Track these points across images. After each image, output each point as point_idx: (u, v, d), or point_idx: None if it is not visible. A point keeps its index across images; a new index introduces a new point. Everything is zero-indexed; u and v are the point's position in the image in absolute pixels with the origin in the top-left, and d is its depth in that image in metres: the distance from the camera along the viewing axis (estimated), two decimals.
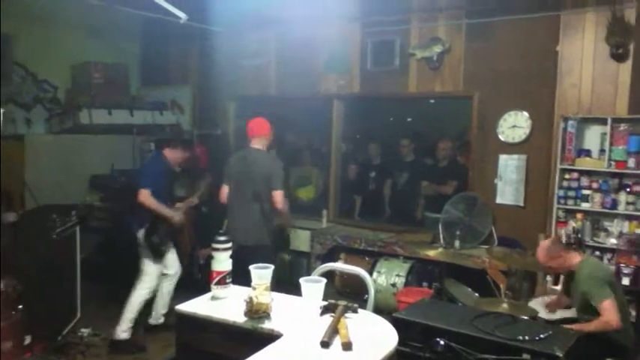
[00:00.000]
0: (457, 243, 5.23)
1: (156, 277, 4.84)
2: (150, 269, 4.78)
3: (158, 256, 4.78)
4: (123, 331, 4.65)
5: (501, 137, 5.43)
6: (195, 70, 7.01)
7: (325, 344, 1.92)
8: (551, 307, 3.89)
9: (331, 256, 5.74)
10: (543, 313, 3.73)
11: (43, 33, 6.24)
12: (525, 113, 5.31)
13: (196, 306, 2.32)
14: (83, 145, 6.41)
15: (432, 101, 6.32)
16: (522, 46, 5.28)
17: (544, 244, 3.74)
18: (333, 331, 1.99)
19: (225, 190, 4.64)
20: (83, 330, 4.78)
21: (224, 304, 2.31)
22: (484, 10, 5.43)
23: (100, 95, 6.58)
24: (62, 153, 6.21)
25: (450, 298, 4.04)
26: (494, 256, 4.92)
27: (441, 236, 5.37)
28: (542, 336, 2.26)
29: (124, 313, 4.68)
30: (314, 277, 2.43)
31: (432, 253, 4.20)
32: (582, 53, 4.96)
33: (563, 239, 4.66)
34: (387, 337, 2.03)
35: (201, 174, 6.01)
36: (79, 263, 5.09)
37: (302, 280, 2.25)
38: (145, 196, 4.56)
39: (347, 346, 1.90)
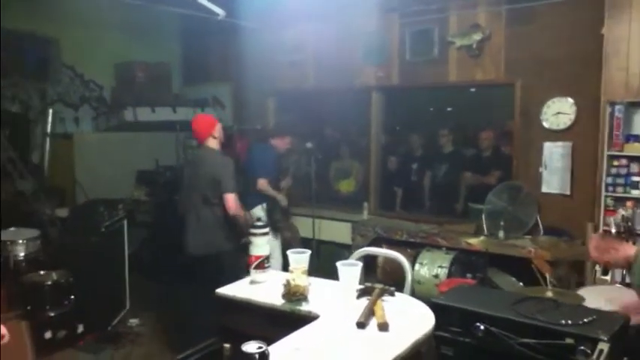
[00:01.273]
0: (501, 233, 5.13)
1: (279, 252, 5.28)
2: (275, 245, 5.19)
3: (277, 230, 5.42)
4: None
5: (545, 125, 5.30)
6: (234, 67, 7.09)
7: (361, 325, 1.93)
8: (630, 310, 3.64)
9: (372, 247, 5.72)
10: (602, 304, 3.58)
11: (88, 35, 6.47)
12: (570, 99, 5.17)
13: (236, 289, 2.37)
14: (129, 142, 6.61)
15: (472, 90, 6.21)
16: (565, 30, 5.14)
17: (592, 240, 3.60)
18: (370, 312, 2.00)
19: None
20: (132, 320, 4.92)
21: (263, 288, 2.35)
22: None
23: (144, 93, 6.75)
24: (109, 150, 6.41)
25: (493, 287, 3.97)
26: (539, 245, 4.85)
27: (485, 227, 5.29)
28: (585, 320, 2.20)
29: None
30: (351, 260, 2.44)
31: (474, 242, 4.15)
32: (629, 35, 4.77)
33: (613, 228, 4.50)
34: (424, 319, 2.03)
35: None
36: (127, 256, 5.25)
37: (339, 264, 2.26)
38: (264, 185, 5.19)
39: (383, 327, 1.90)
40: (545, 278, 4.27)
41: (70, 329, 4.32)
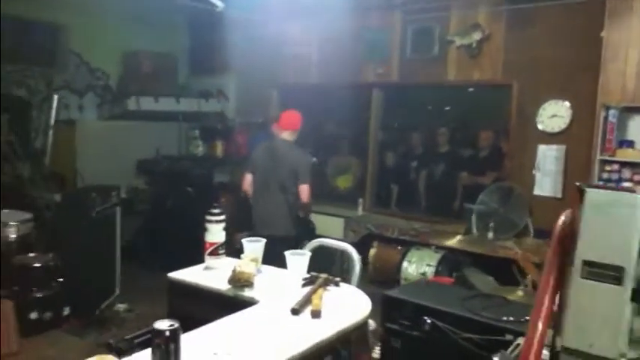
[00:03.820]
0: (490, 234, 5.13)
1: None
2: None
3: None
4: None
5: (540, 127, 5.27)
6: (239, 59, 7.15)
7: (295, 311, 1.96)
8: None
9: (364, 244, 5.74)
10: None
11: (96, 23, 6.54)
12: (566, 102, 5.14)
13: (187, 274, 2.43)
14: (131, 130, 6.68)
15: (470, 90, 6.19)
16: (564, 33, 5.10)
17: None
18: (306, 300, 2.03)
19: (247, 179, 4.71)
20: (120, 305, 5.00)
21: (215, 274, 2.40)
22: None
23: (149, 83, 6.84)
24: (111, 138, 6.49)
25: (467, 286, 3.98)
26: (526, 247, 4.83)
27: (474, 227, 5.29)
28: (527, 317, 2.21)
29: None
30: (299, 250, 2.48)
31: (453, 242, 4.13)
32: (628, 40, 4.72)
33: None
34: (360, 309, 2.06)
35: None
36: (121, 243, 5.34)
37: (287, 253, 2.30)
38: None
39: (315, 314, 1.94)
40: (525, 279, 4.29)
41: (56, 311, 4.42)
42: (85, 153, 6.37)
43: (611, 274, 1.39)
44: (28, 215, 4.78)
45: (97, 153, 6.36)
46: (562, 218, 1.62)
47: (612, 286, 1.39)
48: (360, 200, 6.34)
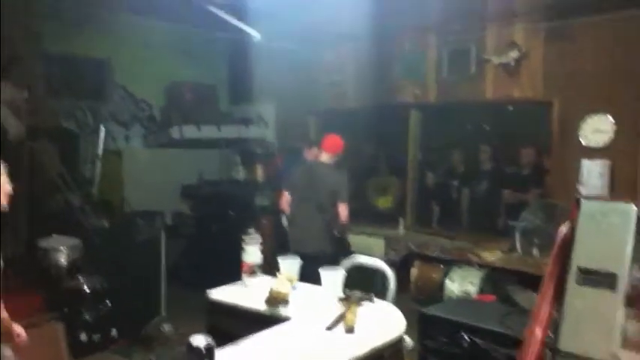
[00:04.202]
0: (535, 251, 5.02)
1: None
2: None
3: None
4: None
5: (584, 142, 5.15)
6: (277, 87, 7.30)
7: (330, 328, 1.98)
8: None
9: (405, 263, 5.71)
10: None
11: (140, 57, 6.82)
12: (609, 117, 5.01)
13: (225, 293, 2.48)
14: (174, 158, 6.90)
15: (510, 108, 6.13)
16: (606, 47, 4.99)
17: None
18: (341, 317, 2.05)
19: (285, 198, 4.79)
20: (165, 326, 5.09)
21: (252, 292, 2.44)
22: (564, 12, 5.21)
23: (191, 112, 7.06)
24: (156, 166, 6.71)
25: (513, 304, 3.89)
26: None
27: (518, 244, 5.18)
28: None
29: None
30: (333, 267, 2.50)
31: (496, 260, 4.06)
32: None
33: None
34: (394, 326, 2.06)
35: None
36: (166, 265, 5.47)
37: (322, 270, 2.33)
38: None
39: (349, 330, 1.96)
40: None
41: (104, 333, 4.56)
42: (131, 181, 6.59)
43: (604, 280, 1.40)
44: (77, 241, 4.96)
45: (143, 180, 6.57)
46: (562, 229, 1.63)
47: (606, 291, 1.40)
48: (401, 219, 6.32)
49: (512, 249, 5.22)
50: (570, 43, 5.22)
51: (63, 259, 4.74)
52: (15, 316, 2.47)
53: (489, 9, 5.66)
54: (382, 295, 2.45)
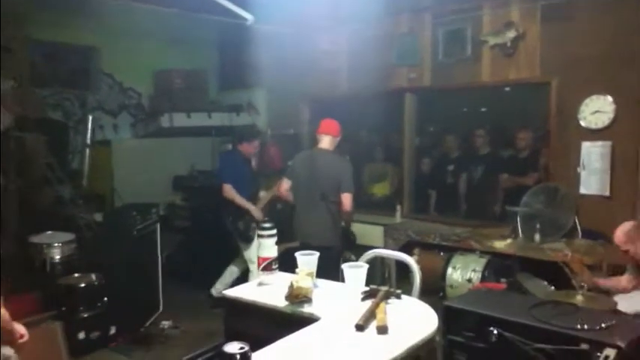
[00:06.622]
0: (537, 236, 4.97)
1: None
2: (249, 253, 5.31)
3: (246, 240, 5.34)
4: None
5: (583, 124, 5.10)
6: (268, 73, 7.14)
7: (360, 327, 1.89)
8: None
9: (404, 251, 5.56)
10: (625, 307, 3.45)
11: (127, 44, 6.63)
12: (609, 97, 4.95)
13: (242, 291, 2.38)
14: (165, 147, 6.75)
15: (507, 89, 6.06)
16: (606, 27, 4.92)
17: (625, 225, 3.48)
18: (370, 315, 1.96)
19: (285, 184, 4.68)
20: (164, 322, 4.99)
21: (270, 290, 2.34)
22: None
23: (181, 100, 6.88)
24: (146, 156, 6.55)
25: (522, 292, 3.84)
26: (576, 249, 4.67)
27: (520, 230, 5.13)
28: (603, 325, 2.10)
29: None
30: (356, 262, 2.41)
31: (502, 246, 4.00)
32: None
33: None
34: (427, 323, 1.97)
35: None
36: (161, 259, 5.35)
37: (344, 266, 2.23)
38: (227, 190, 5.18)
39: (382, 330, 1.87)
40: (579, 282, 4.12)
41: (103, 330, 4.44)
42: (121, 171, 6.42)
43: None
44: (70, 236, 4.82)
45: (133, 171, 6.42)
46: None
47: None
48: (398, 207, 6.24)
49: (513, 234, 5.18)
50: (568, 22, 5.15)
51: (57, 256, 4.60)
52: (12, 316, 2.39)
53: None
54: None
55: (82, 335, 4.28)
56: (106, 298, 4.51)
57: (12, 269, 4.13)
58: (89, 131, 6.24)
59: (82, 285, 4.42)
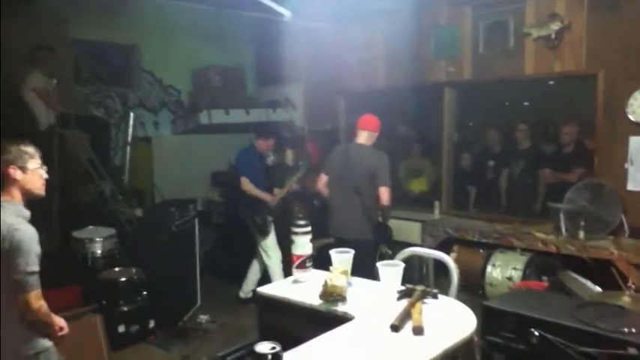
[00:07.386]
0: (582, 234, 4.81)
1: (276, 248, 5.41)
2: (267, 244, 5.40)
3: (264, 233, 5.40)
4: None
5: (631, 117, 4.90)
6: (305, 68, 7.12)
7: (395, 328, 1.85)
8: None
9: (443, 248, 5.50)
10: None
11: (166, 42, 6.73)
12: None
13: (276, 289, 2.36)
14: (204, 144, 6.80)
15: (551, 83, 5.87)
16: None
17: None
18: (406, 315, 1.91)
19: (322, 179, 4.67)
20: (202, 317, 5.04)
21: (304, 287, 2.32)
22: None
23: (219, 97, 6.93)
24: (185, 152, 6.63)
25: (565, 292, 3.71)
26: (623, 247, 4.50)
27: (563, 227, 4.97)
28: None
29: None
30: (392, 261, 2.36)
31: (547, 240, 3.87)
32: None
33: None
34: (464, 324, 1.91)
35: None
36: (199, 254, 5.41)
37: (379, 264, 2.19)
38: (245, 183, 5.28)
39: (418, 331, 1.82)
40: (627, 283, 3.97)
41: (142, 324, 4.51)
42: (161, 168, 6.51)
43: None
44: (111, 231, 4.91)
45: (173, 167, 6.50)
46: None
47: None
48: (437, 203, 6.14)
49: (556, 231, 5.02)
50: (616, 12, 4.95)
51: (99, 250, 4.70)
52: (53, 309, 2.43)
53: None
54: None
55: (121, 328, 4.36)
56: (145, 292, 4.58)
57: (55, 263, 4.22)
58: (130, 128, 6.35)
59: (123, 279, 4.50)
